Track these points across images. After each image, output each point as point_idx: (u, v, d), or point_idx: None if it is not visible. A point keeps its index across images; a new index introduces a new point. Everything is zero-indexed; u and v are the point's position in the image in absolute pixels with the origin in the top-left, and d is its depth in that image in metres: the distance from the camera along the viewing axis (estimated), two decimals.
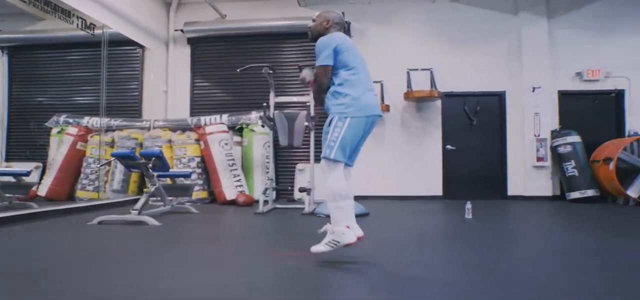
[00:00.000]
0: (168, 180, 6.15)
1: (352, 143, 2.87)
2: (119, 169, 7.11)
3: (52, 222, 4.95)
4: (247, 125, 7.68)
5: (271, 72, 6.21)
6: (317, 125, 6.34)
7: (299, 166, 7.87)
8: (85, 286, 2.43)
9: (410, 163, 7.98)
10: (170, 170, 6.26)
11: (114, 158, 5.72)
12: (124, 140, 7.33)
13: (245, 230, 4.78)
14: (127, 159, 5.37)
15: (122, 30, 7.25)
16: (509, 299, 2.27)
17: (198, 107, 8.62)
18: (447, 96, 7.90)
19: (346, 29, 7.64)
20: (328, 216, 2.96)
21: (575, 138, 7.33)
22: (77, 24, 6.34)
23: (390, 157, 7.98)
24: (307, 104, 6.25)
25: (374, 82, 3.92)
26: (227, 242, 4.14)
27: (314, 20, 3.18)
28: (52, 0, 5.88)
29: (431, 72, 7.86)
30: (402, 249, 3.60)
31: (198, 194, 7.14)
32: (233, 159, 7.23)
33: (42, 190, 6.84)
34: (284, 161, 8.24)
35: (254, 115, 7.64)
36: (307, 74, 3.21)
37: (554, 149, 7.53)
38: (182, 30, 8.52)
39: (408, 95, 7.76)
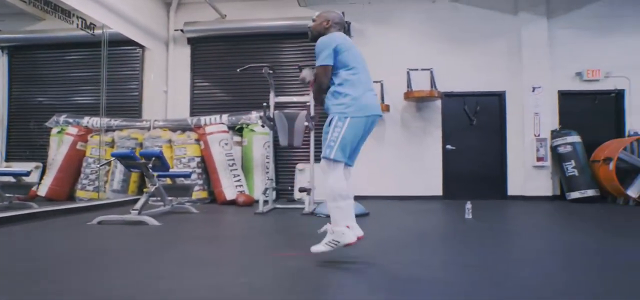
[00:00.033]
0: (168, 180, 6.15)
1: (352, 143, 2.87)
2: (119, 169, 7.11)
3: (52, 222, 4.95)
4: (247, 125, 7.68)
5: (271, 72, 6.21)
6: (317, 125, 6.34)
7: (299, 166, 7.87)
8: (84, 286, 2.43)
9: (410, 163, 7.98)
10: (170, 170, 6.26)
11: (114, 158, 5.72)
12: (124, 140, 7.33)
13: (245, 230, 4.78)
14: (127, 159, 5.38)
15: (122, 30, 7.26)
16: (509, 299, 2.27)
17: (198, 107, 8.62)
18: (447, 96, 7.90)
19: (346, 29, 7.66)
20: (328, 216, 2.96)
21: (575, 138, 7.33)
22: (77, 24, 6.34)
23: (390, 157, 7.98)
24: (307, 104, 6.26)
25: (374, 82, 3.92)
26: (227, 242, 4.14)
27: (314, 20, 3.18)
28: (52, 0, 5.88)
29: (431, 72, 7.87)
30: (402, 249, 3.61)
31: (198, 194, 7.14)
32: (233, 159, 7.23)
33: (42, 190, 6.84)
34: (284, 161, 8.24)
35: (254, 115, 7.64)
36: (307, 74, 3.21)
37: (554, 149, 7.54)
38: (182, 30, 8.52)
39: (408, 95, 7.76)
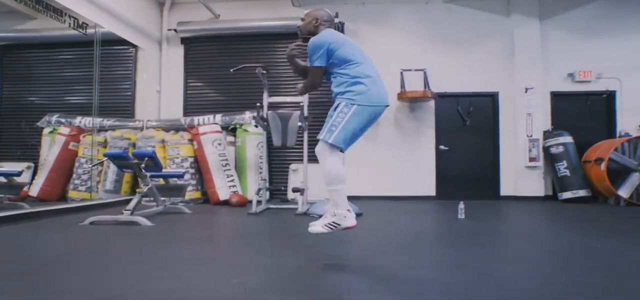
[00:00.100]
0: (161, 181, 6.13)
1: (354, 131, 2.83)
2: (112, 169, 7.07)
3: (44, 223, 4.91)
4: (241, 125, 7.66)
5: (265, 72, 6.20)
6: (310, 125, 6.34)
7: (293, 166, 7.86)
8: (74, 286, 2.41)
9: (403, 163, 8.00)
10: (163, 170, 6.24)
11: (106, 158, 5.69)
12: (116, 140, 7.29)
13: (238, 230, 4.77)
14: (119, 159, 5.35)
15: (115, 30, 7.22)
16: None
17: (191, 107, 8.60)
18: (441, 96, 7.93)
19: (340, 28, 7.68)
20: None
21: (567, 138, 7.39)
22: (69, 23, 6.30)
23: (383, 157, 7.99)
24: (301, 104, 6.25)
25: None
26: (220, 243, 4.13)
27: (302, 20, 3.18)
28: None
29: (424, 73, 7.90)
30: (396, 249, 3.61)
31: (191, 194, 7.12)
32: (226, 159, 7.21)
33: (34, 191, 6.79)
34: (278, 161, 8.23)
35: (248, 115, 7.63)
36: (294, 50, 3.19)
37: (546, 150, 7.58)
38: (175, 30, 8.49)
39: (401, 96, 7.78)
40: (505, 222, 5.46)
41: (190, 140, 7.32)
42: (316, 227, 2.84)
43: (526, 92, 7.76)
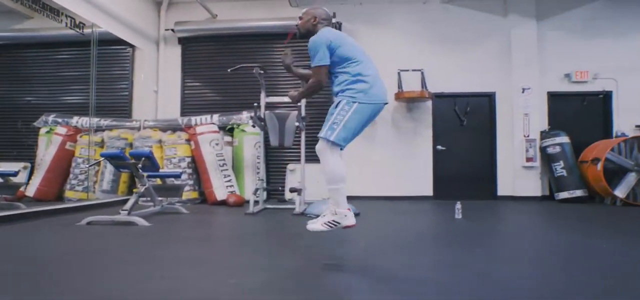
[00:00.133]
0: (158, 181, 6.12)
1: (355, 129, 2.84)
2: (109, 169, 7.05)
3: (40, 223, 4.89)
4: (238, 125, 7.66)
5: (262, 72, 6.20)
6: (308, 125, 6.34)
7: (290, 166, 7.86)
8: (70, 286, 2.41)
9: (400, 163, 8.01)
10: (161, 170, 6.22)
11: (103, 158, 5.68)
12: (113, 140, 7.28)
13: (235, 230, 4.77)
14: (116, 159, 5.34)
15: (112, 30, 7.21)
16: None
17: (189, 107, 8.59)
18: (438, 97, 7.94)
19: (337, 28, 7.68)
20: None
21: (564, 139, 7.41)
22: (66, 23, 6.28)
23: (380, 157, 8.00)
24: (299, 104, 6.25)
25: None
26: (217, 243, 4.12)
27: (300, 18, 3.16)
28: None
29: (422, 73, 7.91)
30: (395, 249, 3.61)
31: (188, 194, 7.12)
32: (224, 159, 7.20)
33: (30, 191, 6.78)
34: (275, 161, 8.23)
35: (245, 115, 7.62)
36: (288, 58, 3.21)
37: (543, 150, 7.60)
38: (172, 30, 8.48)
39: (399, 96, 7.79)
40: (502, 222, 5.47)
41: (188, 140, 7.32)
42: (315, 224, 2.83)
43: (523, 92, 7.79)
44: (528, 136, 7.72)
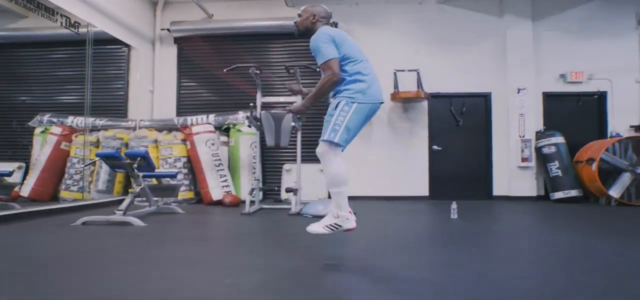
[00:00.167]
0: (154, 181, 6.10)
1: (356, 129, 2.85)
2: (104, 169, 7.03)
3: (35, 223, 4.87)
4: (234, 125, 7.65)
5: (258, 72, 6.19)
6: (304, 125, 6.34)
7: (286, 166, 7.86)
8: (65, 287, 2.40)
9: (396, 163, 8.01)
10: (156, 170, 6.21)
11: (98, 158, 5.66)
12: (109, 140, 7.25)
13: (231, 230, 4.76)
14: (112, 159, 5.32)
15: (108, 29, 7.18)
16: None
17: (184, 107, 8.57)
18: (434, 97, 7.96)
19: (334, 26, 7.67)
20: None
21: (559, 139, 7.44)
22: (61, 22, 6.26)
23: (376, 157, 8.01)
24: (295, 103, 6.24)
25: None
26: (213, 243, 4.12)
27: (299, 16, 3.14)
28: None
29: (418, 73, 7.93)
30: (390, 250, 3.61)
31: (184, 194, 7.10)
32: (219, 159, 7.19)
33: (25, 191, 6.74)
34: (271, 161, 8.23)
35: (241, 115, 7.61)
36: (296, 86, 3.20)
37: (538, 150, 7.63)
38: (168, 29, 8.46)
39: (395, 96, 7.80)
40: (498, 222, 5.48)
41: (183, 140, 7.30)
42: (317, 227, 2.83)
43: (519, 92, 7.81)
44: (523, 136, 7.74)
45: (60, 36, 6.90)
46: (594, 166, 6.77)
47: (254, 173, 7.14)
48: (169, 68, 8.65)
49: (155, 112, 8.52)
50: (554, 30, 7.97)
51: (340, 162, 2.81)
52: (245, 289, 2.40)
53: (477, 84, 8.04)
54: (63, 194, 6.94)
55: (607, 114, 7.89)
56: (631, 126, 7.76)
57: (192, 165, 7.27)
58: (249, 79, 6.70)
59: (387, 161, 8.02)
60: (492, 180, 7.97)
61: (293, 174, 7.37)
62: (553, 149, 7.40)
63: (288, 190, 6.29)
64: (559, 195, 7.32)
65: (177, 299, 2.22)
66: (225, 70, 6.43)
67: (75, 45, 6.99)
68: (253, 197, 6.16)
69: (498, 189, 7.94)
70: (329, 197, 7.29)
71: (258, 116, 6.28)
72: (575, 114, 7.99)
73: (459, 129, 8.09)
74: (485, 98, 8.08)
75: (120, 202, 5.14)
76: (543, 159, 7.54)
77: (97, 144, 7.29)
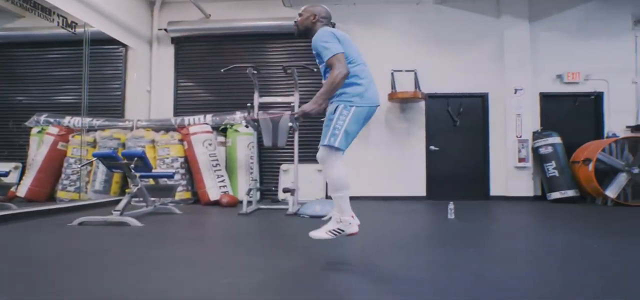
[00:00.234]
0: (151, 181, 6.09)
1: (354, 132, 2.85)
2: (101, 169, 7.01)
3: (32, 223, 4.86)
4: (231, 125, 7.64)
5: (255, 72, 6.19)
6: (301, 126, 6.34)
7: (283, 167, 7.86)
8: (65, 287, 2.39)
9: (394, 164, 8.02)
10: (153, 170, 6.20)
11: (95, 158, 5.65)
12: (106, 140, 7.24)
13: (228, 231, 4.76)
14: (109, 160, 5.31)
15: (105, 29, 7.16)
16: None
17: (182, 107, 8.56)
18: (431, 97, 7.97)
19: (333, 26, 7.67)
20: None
21: (556, 139, 7.46)
22: (58, 22, 6.24)
23: (374, 157, 8.01)
24: (292, 104, 6.25)
25: None
26: (210, 243, 4.11)
27: (300, 15, 3.12)
28: None
29: (415, 74, 7.93)
30: (390, 249, 3.61)
31: (181, 194, 7.09)
32: (217, 160, 7.19)
33: (22, 191, 6.72)
34: (268, 162, 8.22)
35: (238, 115, 7.61)
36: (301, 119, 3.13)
37: (535, 150, 7.65)
38: (165, 30, 8.45)
39: (392, 96, 7.80)
40: (495, 222, 5.49)
41: (181, 141, 7.29)
42: (319, 233, 2.83)
43: (516, 93, 7.83)
44: (520, 137, 7.76)
45: (57, 36, 6.88)
46: (591, 166, 6.79)
47: (251, 173, 7.13)
48: (166, 68, 8.64)
49: (153, 112, 8.51)
50: (551, 31, 8.00)
51: (341, 166, 2.81)
52: (244, 289, 2.40)
53: (474, 84, 8.05)
54: (60, 194, 6.92)
55: (603, 114, 7.91)
56: (627, 126, 7.79)
57: (190, 166, 7.26)
58: (246, 79, 6.68)
59: (384, 161, 8.03)
60: (489, 180, 7.99)
61: (290, 174, 7.38)
62: (550, 149, 7.42)
63: (285, 190, 6.29)
64: (555, 195, 7.34)
65: (174, 298, 2.21)
66: (222, 70, 6.42)
67: (72, 45, 6.97)
68: (250, 197, 6.16)
69: (495, 189, 7.95)
70: (327, 197, 7.30)
71: (255, 116, 6.28)
72: (572, 115, 8.02)
73: (456, 129, 8.11)
74: (483, 98, 8.10)
75: (117, 202, 5.12)
76: (540, 159, 7.56)
77: (94, 144, 7.27)
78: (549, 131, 7.58)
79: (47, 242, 3.90)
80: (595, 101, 8.00)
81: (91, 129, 7.42)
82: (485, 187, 8.00)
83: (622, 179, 6.79)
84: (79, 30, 6.63)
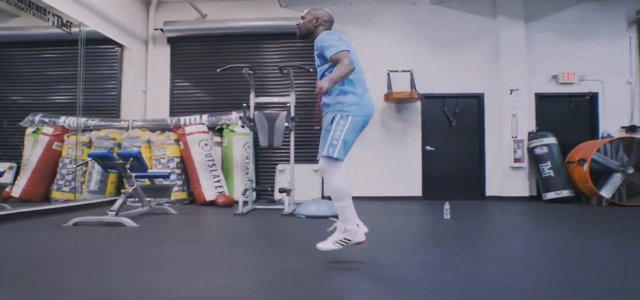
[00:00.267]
0: (146, 181, 6.07)
1: (352, 141, 2.86)
2: (96, 169, 6.99)
3: (27, 224, 4.83)
4: (227, 125, 7.63)
5: (251, 72, 6.18)
6: (297, 126, 6.34)
7: (279, 167, 7.85)
8: (65, 287, 2.38)
9: (390, 164, 8.03)
10: (149, 170, 6.18)
11: (91, 158, 5.62)
12: (101, 140, 7.21)
13: (224, 231, 4.75)
14: (104, 160, 5.29)
15: (100, 29, 7.14)
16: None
17: (178, 107, 8.54)
18: (427, 98, 7.98)
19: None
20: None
21: (551, 140, 7.49)
22: (53, 22, 6.21)
23: (370, 158, 8.02)
24: (288, 104, 6.25)
25: None
26: (206, 243, 4.10)
27: (303, 18, 3.10)
28: None
29: (411, 74, 7.95)
30: (384, 250, 3.61)
31: (177, 194, 7.07)
32: (213, 160, 7.17)
33: (16, 191, 6.69)
34: (264, 162, 8.22)
35: (234, 115, 7.60)
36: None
37: (530, 150, 7.68)
38: (161, 29, 8.43)
39: (388, 97, 7.81)
40: (490, 222, 5.50)
41: (177, 141, 7.27)
42: (326, 244, 2.83)
43: (511, 93, 7.85)
44: (516, 137, 7.79)
45: (52, 36, 6.85)
46: (586, 167, 6.82)
47: (247, 173, 7.12)
48: (162, 68, 8.61)
49: (148, 112, 8.48)
50: (547, 32, 8.03)
51: (342, 175, 2.82)
52: (240, 289, 2.40)
53: (470, 84, 8.08)
54: (55, 194, 6.89)
55: (598, 114, 7.95)
56: (622, 127, 7.83)
57: (185, 166, 7.24)
58: (242, 79, 6.68)
59: (380, 162, 8.04)
60: (485, 180, 8.01)
61: (286, 174, 7.37)
62: (545, 150, 7.45)
63: (281, 190, 6.28)
64: (551, 195, 7.37)
65: (169, 298, 2.21)
66: (218, 70, 6.41)
67: (67, 45, 6.94)
68: (246, 197, 6.15)
69: (491, 190, 7.97)
70: (323, 197, 7.31)
71: (251, 116, 6.27)
72: (567, 115, 8.05)
73: (452, 129, 8.13)
74: (478, 99, 8.12)
75: (112, 202, 5.11)
76: (535, 160, 7.59)
77: (89, 144, 7.24)
78: (544, 131, 7.61)
79: (43, 242, 3.88)
80: (590, 102, 8.04)
81: (86, 129, 7.39)
82: (481, 187, 8.02)
83: (616, 179, 6.82)
84: (74, 29, 6.60)
